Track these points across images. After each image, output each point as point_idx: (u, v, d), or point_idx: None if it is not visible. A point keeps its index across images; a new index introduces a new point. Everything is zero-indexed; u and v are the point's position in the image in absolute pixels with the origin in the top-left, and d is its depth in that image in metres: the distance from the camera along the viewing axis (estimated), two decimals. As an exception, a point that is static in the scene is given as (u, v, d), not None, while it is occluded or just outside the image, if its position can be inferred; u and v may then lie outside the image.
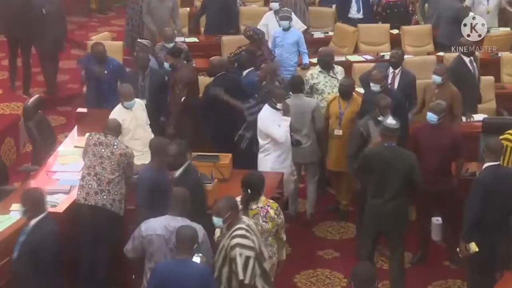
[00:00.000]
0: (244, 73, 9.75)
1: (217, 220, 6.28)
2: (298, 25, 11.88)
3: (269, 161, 8.35)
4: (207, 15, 12.84)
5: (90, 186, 7.37)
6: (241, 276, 6.16)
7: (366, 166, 7.62)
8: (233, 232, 6.23)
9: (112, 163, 7.41)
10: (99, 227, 7.36)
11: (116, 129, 7.68)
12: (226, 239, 6.25)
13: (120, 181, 7.46)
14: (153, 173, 7.06)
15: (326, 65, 9.57)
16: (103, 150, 7.45)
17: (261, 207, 6.67)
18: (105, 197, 7.36)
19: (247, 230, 6.27)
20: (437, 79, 9.17)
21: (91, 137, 7.57)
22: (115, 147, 7.48)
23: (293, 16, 11.78)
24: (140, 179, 7.18)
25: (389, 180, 7.39)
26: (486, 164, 7.00)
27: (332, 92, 9.33)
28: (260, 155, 8.44)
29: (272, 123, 8.25)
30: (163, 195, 6.77)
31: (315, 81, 9.49)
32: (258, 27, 11.64)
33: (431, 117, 8.10)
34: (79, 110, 9.77)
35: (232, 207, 6.31)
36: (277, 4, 11.78)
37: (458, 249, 7.15)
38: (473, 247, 6.93)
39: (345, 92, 8.91)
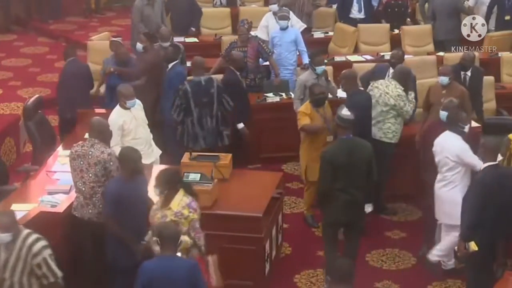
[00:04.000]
0: (170, 65, 9.94)
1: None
2: (298, 24, 11.91)
3: (459, 194, 7.42)
4: (171, 17, 12.82)
5: (78, 198, 7.26)
6: (59, 274, 6.11)
7: (329, 164, 7.39)
8: (25, 241, 6.02)
9: (90, 175, 7.12)
10: (87, 239, 7.17)
11: (100, 131, 7.33)
12: (18, 251, 5.99)
13: None
14: (120, 184, 6.86)
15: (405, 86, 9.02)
16: (81, 162, 7.16)
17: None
18: (90, 210, 7.16)
19: (34, 232, 6.14)
20: (444, 79, 9.09)
21: (71, 151, 7.35)
22: (89, 157, 7.14)
23: (292, 15, 11.80)
24: (105, 191, 6.94)
25: (352, 172, 7.31)
26: (485, 164, 7.00)
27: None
28: (443, 189, 7.72)
29: (467, 150, 7.61)
30: (129, 207, 6.75)
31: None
32: (258, 28, 11.72)
33: (444, 114, 8.06)
34: (79, 110, 9.75)
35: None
36: (276, 6, 11.79)
37: (456, 248, 7.15)
38: (473, 246, 6.91)
39: (323, 99, 8.74)
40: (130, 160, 6.89)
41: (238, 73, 9.66)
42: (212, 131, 9.14)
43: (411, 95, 8.96)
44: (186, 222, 6.55)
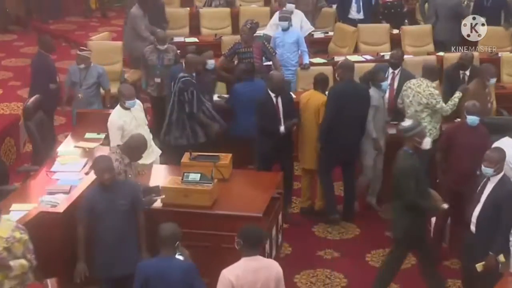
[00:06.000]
0: None
1: None
2: (306, 25, 11.92)
3: None
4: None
5: None
6: None
7: None
8: None
9: None
10: None
11: (131, 147, 7.43)
12: None
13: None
14: (95, 191, 6.90)
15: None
16: None
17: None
18: None
19: None
20: (493, 81, 9.25)
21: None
22: None
23: (303, 17, 11.83)
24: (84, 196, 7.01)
25: None
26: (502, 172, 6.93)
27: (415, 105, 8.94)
28: None
29: None
30: (98, 214, 6.75)
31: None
32: (267, 27, 11.70)
33: (475, 120, 7.99)
34: (79, 110, 9.76)
35: None
36: (293, 6, 11.74)
37: (479, 264, 6.91)
38: (502, 258, 6.86)
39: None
40: (96, 169, 6.86)
41: (273, 94, 8.90)
42: (183, 128, 9.27)
43: (457, 93, 9.04)
44: (20, 245, 6.08)
